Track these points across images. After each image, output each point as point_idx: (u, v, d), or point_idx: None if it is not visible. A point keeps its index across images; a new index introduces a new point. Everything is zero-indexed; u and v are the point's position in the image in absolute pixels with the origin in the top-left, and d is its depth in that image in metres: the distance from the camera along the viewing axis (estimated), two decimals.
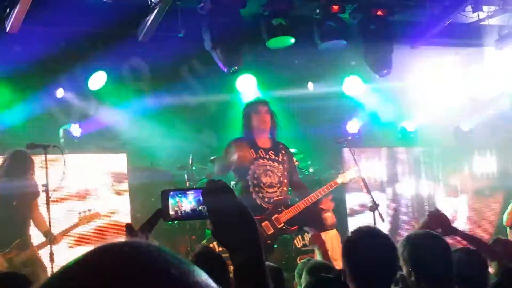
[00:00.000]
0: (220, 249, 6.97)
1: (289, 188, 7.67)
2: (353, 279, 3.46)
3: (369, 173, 8.18)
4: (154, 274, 0.98)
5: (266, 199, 7.32)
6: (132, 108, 9.66)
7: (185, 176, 9.47)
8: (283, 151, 7.57)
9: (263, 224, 7.18)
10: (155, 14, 7.80)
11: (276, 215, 7.28)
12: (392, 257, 3.53)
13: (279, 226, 7.26)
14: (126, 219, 9.24)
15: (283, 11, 8.30)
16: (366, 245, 3.52)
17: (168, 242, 8.98)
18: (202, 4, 8.01)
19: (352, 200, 10.31)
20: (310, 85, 10.56)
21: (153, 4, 7.73)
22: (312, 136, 10.34)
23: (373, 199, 7.63)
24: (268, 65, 9.86)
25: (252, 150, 7.41)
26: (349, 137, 8.33)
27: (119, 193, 9.59)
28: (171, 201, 1.97)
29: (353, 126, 10.99)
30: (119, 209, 9.46)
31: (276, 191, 7.38)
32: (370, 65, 9.38)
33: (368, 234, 3.65)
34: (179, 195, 1.96)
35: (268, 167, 7.38)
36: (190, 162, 9.35)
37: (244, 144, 7.46)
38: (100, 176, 9.47)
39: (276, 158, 7.47)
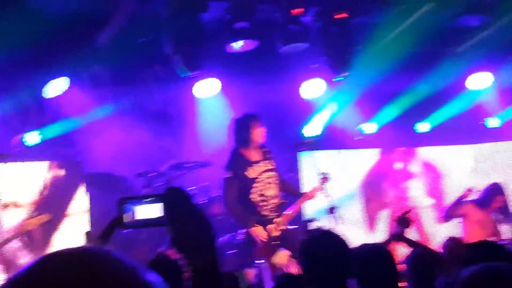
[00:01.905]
0: (176, 256, 6.95)
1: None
2: (309, 281, 3.54)
3: (328, 176, 8.23)
4: (104, 278, 1.00)
5: (273, 210, 7.83)
6: (91, 114, 9.49)
7: (144, 182, 9.36)
8: (268, 155, 7.97)
9: (267, 228, 7.72)
10: (115, 19, 7.66)
11: (278, 219, 7.82)
12: (346, 257, 3.58)
13: (282, 228, 7.81)
14: (84, 226, 9.08)
15: (245, 15, 8.27)
16: (319, 247, 3.59)
17: (125, 249, 8.85)
18: (162, 9, 7.91)
19: (310, 203, 10.31)
20: None
21: (112, 9, 7.60)
22: (271, 140, 10.30)
23: (331, 202, 7.89)
24: (230, 69, 9.77)
25: (252, 168, 7.81)
26: (308, 140, 8.32)
27: (76, 200, 9.43)
28: (128, 209, 1.92)
29: (312, 129, 10.97)
30: (76, 217, 9.31)
31: (277, 199, 7.93)
32: (331, 67, 9.40)
33: (322, 236, 3.74)
34: (136, 202, 1.91)
35: (270, 180, 7.85)
36: (150, 169, 9.25)
37: (242, 164, 7.83)
38: (57, 183, 9.30)
39: (270, 166, 7.90)
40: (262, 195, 7.80)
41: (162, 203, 1.85)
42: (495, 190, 9.11)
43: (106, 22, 7.88)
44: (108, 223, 4.47)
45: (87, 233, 5.58)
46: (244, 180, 7.79)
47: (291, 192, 8.26)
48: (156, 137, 10.16)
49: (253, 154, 7.90)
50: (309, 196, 8.02)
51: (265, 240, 7.68)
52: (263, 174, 7.85)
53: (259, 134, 7.85)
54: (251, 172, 7.82)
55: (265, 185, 7.81)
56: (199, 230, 1.76)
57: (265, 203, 7.81)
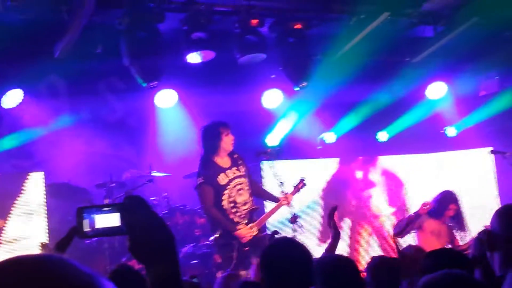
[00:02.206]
0: (140, 266, 6.95)
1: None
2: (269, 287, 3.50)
3: (305, 181, 8.32)
4: (61, 285, 1.01)
5: (242, 216, 7.91)
6: (49, 126, 9.43)
7: (105, 193, 9.34)
8: (239, 161, 8.04)
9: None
10: (72, 30, 7.64)
11: (251, 224, 7.93)
12: (308, 266, 3.57)
13: (254, 233, 7.89)
14: (43, 238, 9.03)
15: (202, 25, 8.26)
16: (281, 255, 3.58)
17: (86, 260, 8.80)
18: (119, 20, 7.90)
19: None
20: None
21: (69, 20, 7.57)
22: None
23: (293, 211, 7.94)
24: (189, 79, 9.79)
25: (222, 174, 7.87)
26: (269, 150, 8.36)
27: (36, 211, 9.36)
28: (86, 218, 1.91)
29: (272, 139, 11.03)
30: (36, 228, 9.24)
31: (248, 205, 8.00)
32: (289, 77, 9.44)
33: (284, 244, 3.74)
34: (95, 212, 1.91)
35: (239, 185, 7.92)
36: (110, 179, 9.23)
37: (213, 171, 7.87)
38: (17, 195, 9.23)
39: (240, 173, 7.97)
40: (233, 201, 7.87)
41: (121, 212, 1.85)
42: (447, 199, 8.96)
43: (63, 32, 7.83)
44: (66, 233, 4.44)
45: (43, 244, 5.56)
46: (217, 187, 7.84)
47: (265, 197, 8.34)
48: (116, 147, 10.16)
49: (224, 161, 7.97)
50: (285, 201, 8.02)
51: (251, 235, 7.78)
52: (233, 180, 7.91)
53: (228, 141, 7.92)
54: (222, 179, 7.87)
55: (235, 192, 7.88)
56: (158, 238, 1.74)
57: (235, 210, 7.88)
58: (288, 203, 8.02)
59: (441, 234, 8.97)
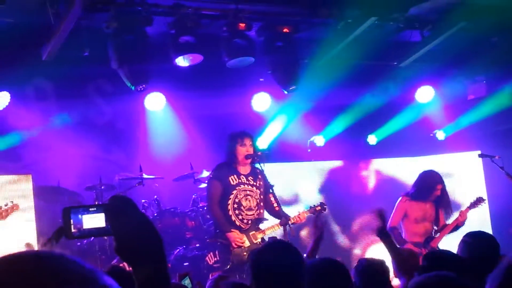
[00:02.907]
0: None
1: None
2: None
3: (325, 206, 8.38)
4: (63, 279, 1.01)
5: (244, 220, 7.97)
6: (37, 128, 9.45)
7: (94, 195, 9.35)
8: (259, 176, 8.13)
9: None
10: (59, 33, 7.66)
11: (253, 232, 7.96)
12: (298, 269, 3.58)
13: (255, 242, 7.90)
14: (32, 240, 9.01)
15: (190, 29, 8.27)
16: (270, 258, 3.59)
17: None
18: (107, 23, 7.92)
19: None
20: None
21: (56, 23, 7.59)
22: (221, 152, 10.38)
23: (284, 213, 7.92)
24: (177, 82, 9.81)
25: (235, 176, 8.01)
26: (259, 153, 8.37)
27: (24, 214, 9.34)
28: (73, 219, 1.91)
29: (262, 142, 11.06)
30: (24, 231, 9.22)
31: (253, 214, 8.04)
32: (277, 81, 9.47)
33: (274, 247, 3.75)
34: (82, 212, 1.90)
35: (248, 192, 8.02)
36: (99, 182, 9.24)
37: (227, 171, 8.03)
38: (4, 198, 9.21)
39: (254, 183, 8.07)
40: (238, 203, 7.92)
41: (107, 212, 1.85)
42: (432, 179, 8.90)
43: (50, 35, 7.85)
44: (52, 234, 4.43)
45: (28, 245, 5.56)
46: (226, 186, 7.93)
47: (274, 215, 8.22)
48: (105, 150, 10.17)
49: (242, 168, 8.07)
50: (298, 219, 7.97)
51: (240, 245, 7.79)
52: (245, 185, 7.99)
53: (242, 152, 7.96)
54: (233, 179, 7.96)
55: (243, 195, 7.95)
56: (145, 238, 1.72)
57: (239, 212, 7.92)
58: (300, 221, 8.03)
59: (426, 216, 8.94)
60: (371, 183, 12.13)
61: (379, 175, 12.16)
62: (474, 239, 4.83)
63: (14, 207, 8.07)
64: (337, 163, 11.97)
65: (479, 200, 8.87)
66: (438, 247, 8.69)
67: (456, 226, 8.81)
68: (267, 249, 3.78)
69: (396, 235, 8.71)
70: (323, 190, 11.68)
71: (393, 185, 11.61)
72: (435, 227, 9.00)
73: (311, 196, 11.40)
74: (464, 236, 4.93)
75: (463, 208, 8.96)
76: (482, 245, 4.72)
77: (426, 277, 3.01)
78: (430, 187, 8.86)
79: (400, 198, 9.07)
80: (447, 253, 4.43)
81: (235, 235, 7.81)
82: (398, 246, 5.96)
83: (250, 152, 7.98)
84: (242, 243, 7.82)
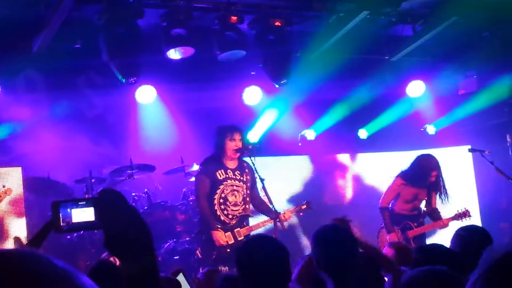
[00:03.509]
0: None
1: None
2: (245, 285, 3.53)
3: (311, 204, 8.42)
4: (38, 279, 0.99)
5: (230, 216, 8.00)
6: (27, 121, 9.40)
7: (84, 188, 9.32)
8: (246, 170, 8.13)
9: (225, 234, 7.91)
10: (51, 25, 7.62)
11: (238, 229, 7.99)
12: (284, 262, 3.60)
13: (239, 238, 7.91)
14: (22, 233, 9.00)
15: (181, 21, 8.25)
16: (256, 252, 3.60)
17: (67, 256, 8.79)
18: (98, 15, 7.88)
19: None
20: None
21: (48, 15, 7.55)
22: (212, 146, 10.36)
23: (274, 208, 7.86)
24: (168, 75, 9.78)
25: (222, 171, 8.01)
26: (250, 146, 8.37)
27: (15, 206, 9.32)
28: (62, 212, 1.90)
29: (253, 135, 11.05)
30: (14, 223, 9.20)
31: (239, 209, 8.06)
32: (269, 74, 9.46)
33: (259, 242, 3.75)
34: (71, 206, 1.89)
35: (235, 187, 8.03)
36: (90, 175, 9.21)
37: (215, 165, 8.04)
38: None
39: (241, 178, 8.08)
40: (223, 198, 7.94)
41: (96, 206, 1.84)
42: (428, 165, 9.01)
43: (41, 27, 7.81)
44: (41, 228, 4.39)
45: (16, 238, 5.53)
46: (213, 180, 7.93)
47: (264, 210, 8.22)
48: (96, 143, 10.12)
49: (230, 162, 8.07)
50: (283, 217, 7.97)
51: (223, 244, 7.79)
52: (232, 180, 8.01)
53: (231, 146, 7.96)
54: (220, 174, 7.97)
55: (229, 190, 7.97)
56: (133, 232, 1.71)
57: (224, 207, 7.95)
58: (286, 219, 8.03)
59: (417, 197, 9.18)
60: (362, 177, 12.15)
61: (370, 169, 12.17)
62: (467, 233, 4.86)
63: (7, 192, 8.07)
64: (328, 157, 11.97)
65: (465, 214, 8.90)
66: (412, 239, 8.90)
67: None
68: (252, 245, 3.78)
69: (386, 218, 9.00)
70: (314, 184, 11.70)
71: (383, 179, 11.63)
72: (425, 209, 9.23)
73: (302, 190, 11.42)
74: (458, 230, 4.96)
75: (448, 216, 9.04)
76: (475, 239, 4.73)
77: (418, 271, 3.02)
78: (425, 173, 8.98)
79: (395, 179, 9.22)
80: (440, 247, 4.44)
81: (219, 235, 7.80)
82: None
83: (239, 147, 7.98)
84: (225, 243, 7.82)
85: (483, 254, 1.73)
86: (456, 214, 8.91)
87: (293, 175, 11.53)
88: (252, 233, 8.09)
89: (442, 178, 9.12)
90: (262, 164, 8.47)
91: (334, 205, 11.62)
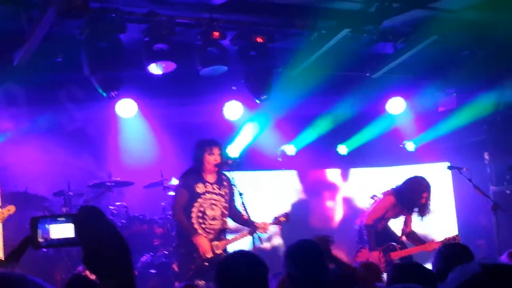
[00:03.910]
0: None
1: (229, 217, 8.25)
2: None
3: (289, 215, 8.42)
4: None
5: (207, 230, 7.95)
6: (7, 134, 9.34)
7: (63, 201, 9.27)
8: (225, 183, 8.13)
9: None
10: (32, 38, 7.59)
11: (216, 242, 7.92)
12: (263, 278, 3.61)
13: (217, 252, 7.86)
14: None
15: (164, 36, 8.25)
16: (236, 268, 3.60)
17: (43, 269, 8.73)
18: (80, 29, 7.86)
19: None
20: None
21: (29, 28, 7.52)
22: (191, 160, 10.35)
23: (252, 222, 7.92)
24: (149, 90, 9.77)
25: (201, 184, 8.00)
26: (229, 161, 8.38)
27: None
28: (40, 228, 1.88)
29: (233, 150, 11.05)
30: None
31: (217, 223, 8.03)
32: (250, 90, 9.47)
33: (238, 258, 3.74)
34: (50, 222, 1.88)
35: (213, 201, 8.00)
36: (68, 188, 9.17)
37: (193, 178, 8.02)
38: None
39: (220, 192, 8.06)
40: (202, 212, 7.90)
41: (75, 223, 1.82)
42: (420, 188, 9.06)
43: (23, 41, 7.77)
44: (18, 244, 4.37)
45: None
46: (192, 193, 7.91)
47: (242, 224, 8.25)
48: (75, 156, 10.07)
49: (209, 176, 8.04)
50: (261, 229, 8.01)
51: (206, 250, 7.76)
52: (210, 194, 7.98)
53: (210, 160, 7.93)
54: (199, 187, 7.95)
55: (208, 204, 7.94)
56: (113, 250, 1.70)
57: (202, 221, 7.91)
58: (265, 231, 8.05)
59: (396, 215, 9.30)
60: (341, 192, 12.18)
61: (349, 185, 12.21)
62: (451, 251, 4.87)
63: (10, 209, 7.97)
64: (308, 172, 11.99)
65: (454, 239, 8.90)
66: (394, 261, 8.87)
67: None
68: (232, 260, 3.77)
69: (372, 236, 8.95)
70: (293, 198, 11.71)
71: (362, 195, 11.67)
72: (401, 230, 9.34)
73: (281, 205, 11.41)
74: (440, 248, 4.97)
75: (436, 239, 9.14)
76: (457, 256, 4.75)
77: None
78: (417, 196, 9.03)
79: (387, 197, 9.22)
80: (415, 264, 4.47)
81: (203, 240, 7.78)
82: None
83: (218, 161, 7.96)
84: (208, 249, 7.79)
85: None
86: (446, 239, 8.89)
87: (273, 189, 11.52)
88: (230, 246, 8.07)
89: (430, 200, 9.14)
90: (242, 179, 8.48)
91: (312, 221, 11.64)
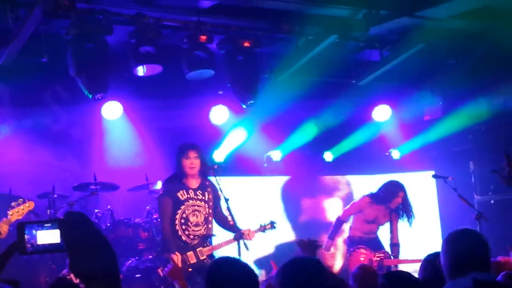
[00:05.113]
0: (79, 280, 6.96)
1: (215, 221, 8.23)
2: None
3: (275, 224, 8.46)
4: None
5: (191, 236, 7.95)
6: None
7: (47, 204, 9.21)
8: (209, 189, 8.12)
9: (187, 254, 7.88)
10: (18, 38, 7.56)
11: (200, 248, 7.94)
12: (253, 285, 3.57)
13: (201, 258, 7.90)
14: None
15: (150, 39, 8.24)
16: (224, 275, 3.57)
17: (27, 272, 8.66)
18: (66, 30, 7.84)
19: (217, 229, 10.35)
20: None
21: (15, 28, 7.49)
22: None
23: (238, 228, 7.89)
24: (135, 92, 9.75)
25: (184, 191, 7.99)
26: (215, 166, 8.37)
27: None
28: (27, 234, 1.88)
29: (219, 155, 11.04)
30: None
31: (201, 229, 8.01)
32: (236, 94, 9.47)
33: (226, 264, 3.70)
34: (36, 228, 1.87)
35: (196, 207, 8.00)
36: (52, 190, 9.12)
37: (176, 185, 8.01)
38: None
39: (203, 197, 8.04)
40: (185, 218, 7.89)
41: (61, 228, 1.81)
42: (395, 187, 9.59)
43: (8, 40, 7.74)
44: (4, 251, 4.32)
45: None
46: (175, 201, 7.90)
47: (228, 229, 8.22)
48: (60, 158, 10.04)
49: (191, 182, 8.03)
50: (247, 236, 7.98)
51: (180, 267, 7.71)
52: (192, 200, 7.97)
53: (187, 165, 7.94)
54: (181, 194, 7.94)
55: (190, 210, 7.93)
56: (98, 256, 1.71)
57: (185, 227, 7.90)
58: (249, 238, 8.00)
59: (376, 220, 9.72)
60: (326, 199, 12.18)
61: (334, 192, 12.22)
62: (438, 259, 4.83)
63: (29, 205, 7.82)
64: (293, 179, 11.99)
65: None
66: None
67: None
68: (220, 266, 3.73)
69: (337, 227, 9.89)
70: (278, 205, 11.70)
71: (347, 202, 11.68)
72: (389, 239, 9.69)
73: (266, 211, 11.40)
74: (427, 256, 4.95)
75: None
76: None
77: None
78: (392, 193, 9.54)
79: (361, 197, 9.86)
80: (405, 274, 4.45)
81: (176, 258, 7.71)
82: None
83: (194, 165, 7.96)
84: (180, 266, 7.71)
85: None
86: None
87: (259, 195, 11.51)
88: (215, 252, 8.04)
89: (408, 200, 9.59)
90: (227, 184, 8.46)
91: (297, 227, 11.64)
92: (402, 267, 9.28)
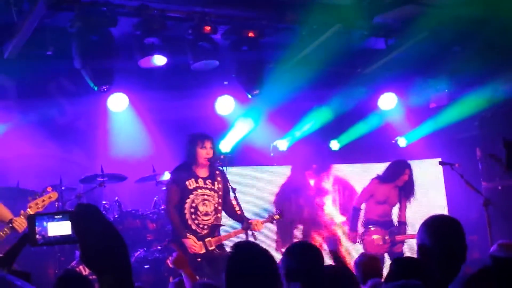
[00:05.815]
0: (87, 271, 7.01)
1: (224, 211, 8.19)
2: None
3: (283, 213, 8.47)
4: None
5: (200, 225, 7.91)
6: None
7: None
8: (218, 178, 8.09)
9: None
10: (23, 31, 7.57)
11: (209, 238, 7.92)
12: (272, 270, 3.54)
13: (210, 248, 7.89)
14: None
15: (155, 30, 8.24)
16: (245, 259, 3.53)
17: (36, 264, 8.70)
18: (71, 22, 7.84)
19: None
20: None
21: (20, 21, 7.50)
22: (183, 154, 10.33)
23: (246, 218, 7.88)
24: (141, 84, 9.76)
25: (193, 180, 7.96)
26: (222, 156, 8.37)
27: None
28: (38, 226, 1.88)
29: (225, 145, 11.05)
30: None
31: (210, 218, 7.97)
32: (242, 85, 9.48)
33: (248, 249, 3.67)
34: (47, 219, 1.88)
35: (206, 196, 7.97)
36: (60, 183, 9.13)
37: (185, 174, 7.98)
38: None
39: (213, 187, 8.02)
40: (194, 207, 7.87)
41: (72, 220, 1.82)
42: (402, 164, 9.93)
43: (13, 33, 7.76)
44: (17, 241, 4.34)
45: None
46: (183, 189, 7.88)
47: (236, 219, 8.20)
48: (67, 150, 10.05)
49: (201, 171, 8.01)
50: (255, 226, 7.92)
51: (196, 251, 7.73)
52: (201, 189, 7.94)
53: (202, 154, 7.90)
54: (190, 183, 7.91)
55: (200, 199, 7.90)
56: (110, 247, 1.72)
57: (195, 217, 7.87)
58: (258, 229, 7.95)
59: (388, 200, 9.95)
60: (333, 188, 12.17)
61: (341, 180, 12.20)
62: (437, 222, 4.62)
63: (51, 196, 7.68)
64: (300, 168, 11.96)
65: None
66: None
67: None
68: (242, 251, 3.71)
69: (355, 217, 10.05)
70: (286, 195, 11.69)
71: (353, 191, 11.69)
72: (397, 217, 10.06)
73: (274, 200, 11.41)
74: (426, 220, 4.72)
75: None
76: (446, 229, 4.53)
77: (393, 286, 3.03)
78: (399, 170, 9.86)
79: (371, 181, 10.12)
80: (414, 260, 4.44)
81: (191, 242, 7.75)
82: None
83: (210, 155, 7.93)
84: (199, 250, 7.78)
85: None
86: None
87: (266, 185, 11.51)
88: (224, 243, 8.05)
89: (413, 179, 9.95)
90: (234, 174, 8.47)
91: (307, 216, 11.64)
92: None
